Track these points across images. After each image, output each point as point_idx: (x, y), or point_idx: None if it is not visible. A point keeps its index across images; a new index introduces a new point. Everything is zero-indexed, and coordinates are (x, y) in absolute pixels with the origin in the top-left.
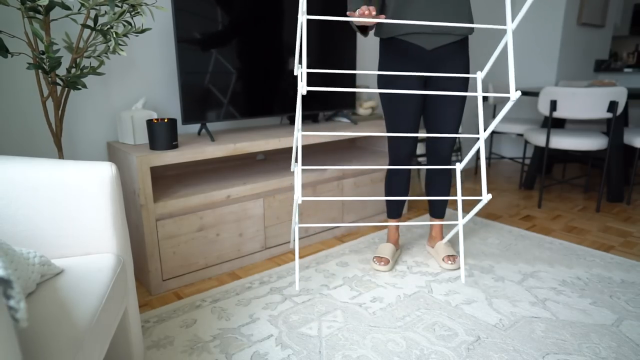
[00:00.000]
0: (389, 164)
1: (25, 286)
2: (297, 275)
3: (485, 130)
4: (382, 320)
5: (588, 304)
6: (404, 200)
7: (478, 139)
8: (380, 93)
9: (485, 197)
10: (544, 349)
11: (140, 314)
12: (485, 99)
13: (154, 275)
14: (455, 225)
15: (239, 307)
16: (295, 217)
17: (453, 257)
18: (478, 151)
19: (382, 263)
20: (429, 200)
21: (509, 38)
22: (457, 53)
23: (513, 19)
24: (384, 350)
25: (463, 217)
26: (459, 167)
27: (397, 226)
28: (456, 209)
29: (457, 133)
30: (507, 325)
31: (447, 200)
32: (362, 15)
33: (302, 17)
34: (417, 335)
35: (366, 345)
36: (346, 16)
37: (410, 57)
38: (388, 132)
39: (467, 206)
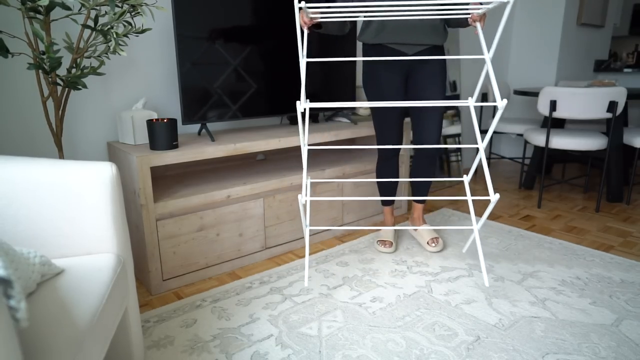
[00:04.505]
0: (378, 160)
1: (26, 286)
2: (307, 271)
3: (483, 140)
4: (382, 320)
5: (588, 303)
6: (395, 187)
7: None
8: (367, 95)
9: (494, 197)
10: (543, 349)
11: (140, 314)
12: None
13: (154, 275)
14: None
15: (239, 307)
16: (305, 219)
17: (436, 239)
18: (477, 154)
19: (387, 245)
20: (412, 186)
21: (488, 64)
22: (434, 54)
23: (489, 48)
24: (384, 350)
25: (473, 221)
26: (466, 179)
27: (392, 211)
28: (456, 209)
29: (441, 123)
30: (507, 325)
31: (429, 186)
32: (306, 23)
33: (303, 61)
34: (417, 335)
35: (366, 345)
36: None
37: (393, 61)
38: (376, 131)
39: (466, 209)
